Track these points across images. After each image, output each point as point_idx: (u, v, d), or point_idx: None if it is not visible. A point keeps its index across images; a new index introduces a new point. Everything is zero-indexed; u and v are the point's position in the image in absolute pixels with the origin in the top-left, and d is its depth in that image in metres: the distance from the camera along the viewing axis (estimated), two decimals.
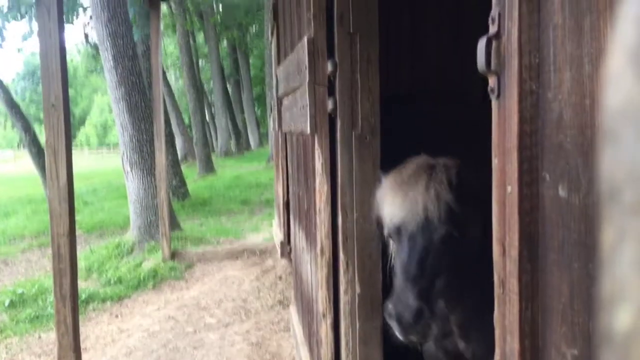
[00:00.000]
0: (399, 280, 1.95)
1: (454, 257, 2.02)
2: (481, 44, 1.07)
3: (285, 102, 4.21)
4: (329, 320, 2.93)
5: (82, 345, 4.23)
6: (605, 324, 0.26)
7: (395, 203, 2.08)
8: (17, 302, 6.60)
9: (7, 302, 6.54)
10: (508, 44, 1.01)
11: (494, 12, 1.06)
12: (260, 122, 41.01)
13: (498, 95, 1.07)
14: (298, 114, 3.28)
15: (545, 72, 0.94)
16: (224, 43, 34.29)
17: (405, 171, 2.17)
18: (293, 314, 4.97)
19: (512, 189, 1.02)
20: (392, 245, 2.25)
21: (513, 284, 1.04)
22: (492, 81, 1.08)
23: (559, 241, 0.92)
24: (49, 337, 5.55)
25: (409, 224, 2.01)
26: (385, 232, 2.17)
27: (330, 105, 2.76)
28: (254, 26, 32.98)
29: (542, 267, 0.99)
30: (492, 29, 1.06)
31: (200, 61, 35.24)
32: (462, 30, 4.30)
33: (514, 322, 1.04)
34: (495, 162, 1.10)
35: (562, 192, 0.91)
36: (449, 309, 2.36)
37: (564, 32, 0.88)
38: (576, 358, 0.90)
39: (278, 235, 8.26)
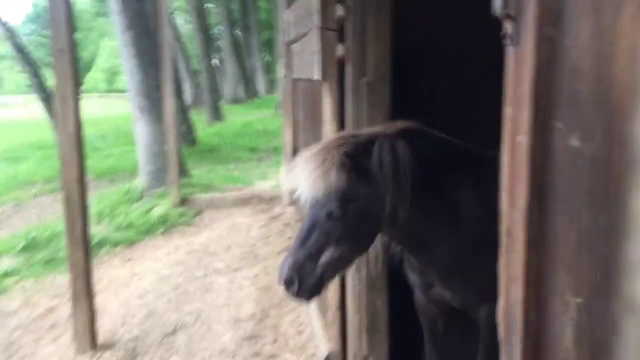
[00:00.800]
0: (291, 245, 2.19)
1: (344, 233, 2.15)
2: None
3: (295, 47, 4.14)
4: None
5: (95, 288, 4.35)
6: (629, 291, 0.25)
7: (296, 177, 2.21)
8: (30, 246, 6.74)
9: (21, 245, 6.69)
10: None
11: None
12: (269, 68, 40.49)
13: (514, 42, 1.04)
14: (307, 60, 3.23)
15: (565, 18, 0.91)
16: None
17: (313, 148, 2.26)
18: None
19: (523, 138, 1.01)
20: None
21: (519, 234, 1.04)
22: (508, 27, 1.05)
23: (568, 191, 0.92)
24: (63, 279, 5.69)
25: (304, 198, 2.16)
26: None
27: (340, 51, 2.71)
28: None
29: (550, 217, 0.98)
30: None
31: (208, 5, 34.46)
32: None
33: (519, 271, 1.05)
34: (507, 110, 1.08)
35: (574, 142, 0.89)
36: (423, 264, 2.49)
37: None
38: (580, 306, 0.91)
39: (286, 183, 8.30)
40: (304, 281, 2.13)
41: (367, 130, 2.32)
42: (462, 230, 2.32)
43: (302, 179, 2.15)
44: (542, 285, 1.03)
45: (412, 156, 2.11)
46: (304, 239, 2.15)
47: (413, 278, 2.67)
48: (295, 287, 2.13)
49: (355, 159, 2.11)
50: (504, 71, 1.09)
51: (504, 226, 1.12)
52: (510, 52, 1.06)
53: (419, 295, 2.74)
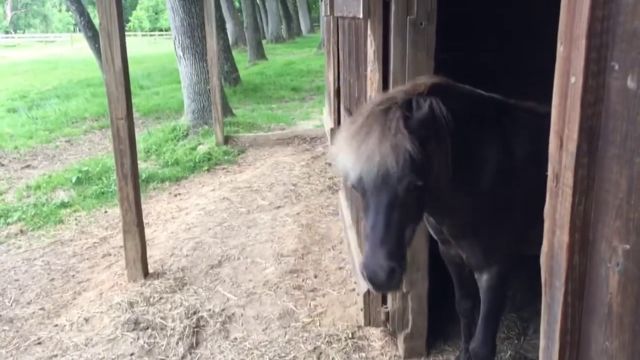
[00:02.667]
0: (369, 238, 1.87)
1: (421, 204, 1.98)
2: None
3: None
4: None
5: (145, 221, 4.53)
6: None
7: (350, 158, 1.90)
8: (83, 179, 7.04)
9: (74, 179, 6.98)
10: None
11: None
12: (312, 6, 39.54)
13: None
14: None
15: None
16: None
17: (358, 120, 1.97)
18: (341, 199, 5.11)
19: (577, 79, 0.97)
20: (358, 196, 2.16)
21: (568, 178, 1.02)
22: None
23: (621, 135, 0.89)
24: (114, 212, 5.95)
25: (369, 178, 1.86)
26: (349, 184, 2.01)
27: None
28: None
29: (600, 161, 0.96)
30: None
31: None
32: None
33: (565, 215, 1.04)
34: (560, 50, 1.04)
35: (630, 84, 0.85)
36: (437, 221, 2.39)
37: None
38: (628, 252, 0.90)
39: (328, 123, 8.28)
40: (403, 267, 1.88)
41: (396, 91, 2.11)
42: (479, 189, 2.24)
43: (363, 156, 1.86)
44: (589, 230, 1.01)
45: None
46: (386, 223, 1.86)
47: (431, 232, 2.65)
48: (399, 275, 1.86)
49: (418, 123, 1.89)
50: (557, 8, 1.04)
51: (551, 170, 1.10)
52: None
53: (440, 246, 2.74)
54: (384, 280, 1.84)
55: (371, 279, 1.85)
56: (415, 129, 1.86)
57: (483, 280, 2.47)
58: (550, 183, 1.11)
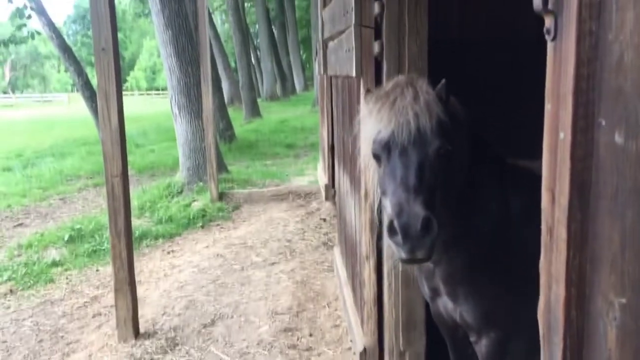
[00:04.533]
0: (396, 195, 1.76)
1: (447, 177, 1.90)
2: None
3: (331, 44, 4.14)
4: (372, 262, 2.99)
5: (137, 279, 4.47)
6: None
7: (382, 116, 1.89)
8: (75, 237, 6.97)
9: (66, 237, 6.92)
10: None
11: None
12: (306, 66, 40.59)
13: (554, 37, 1.02)
14: (344, 57, 3.23)
15: (606, 11, 0.89)
16: None
17: (388, 86, 2.02)
18: (337, 255, 5.07)
19: (565, 135, 0.99)
20: (374, 172, 2.10)
21: (561, 232, 1.02)
22: (548, 22, 1.03)
23: (612, 189, 0.90)
24: (106, 270, 5.87)
25: (400, 136, 1.84)
26: (367, 154, 1.99)
27: (376, 48, 2.70)
28: None
29: (593, 216, 0.97)
30: None
31: (245, 4, 34.78)
32: None
33: (561, 269, 1.03)
34: (548, 107, 1.06)
35: (618, 139, 0.87)
36: (433, 259, 2.20)
37: None
38: (624, 307, 0.89)
39: (322, 179, 8.33)
40: (438, 223, 1.72)
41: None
42: (479, 231, 2.21)
43: (398, 111, 1.86)
44: (585, 284, 1.01)
45: None
46: (418, 176, 1.78)
47: (420, 283, 2.53)
48: (435, 228, 1.71)
49: (448, 95, 1.94)
50: (543, 65, 1.07)
51: (544, 224, 1.11)
52: (551, 46, 1.04)
53: (430, 305, 2.59)
54: (418, 231, 1.68)
55: (404, 229, 1.68)
56: (443, 99, 1.92)
57: (482, 345, 2.32)
58: (544, 237, 1.11)
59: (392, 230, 1.73)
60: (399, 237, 1.70)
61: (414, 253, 1.72)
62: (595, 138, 0.94)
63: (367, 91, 2.19)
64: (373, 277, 3.00)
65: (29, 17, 10.97)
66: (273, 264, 5.70)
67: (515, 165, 2.37)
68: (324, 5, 5.62)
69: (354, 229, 3.83)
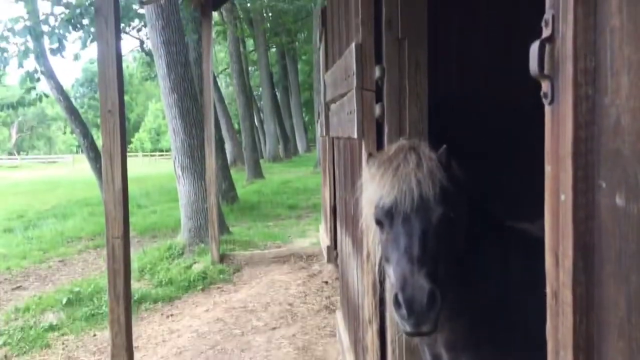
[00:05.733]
0: (401, 266, 1.74)
1: (449, 246, 1.88)
2: (534, 47, 1.04)
3: (333, 107, 4.23)
4: (375, 326, 2.92)
5: (135, 344, 4.35)
6: None
7: (385, 182, 1.89)
8: (74, 301, 6.86)
9: (64, 300, 6.81)
10: (562, 48, 0.98)
11: (548, 14, 1.03)
12: (308, 128, 41.28)
13: (551, 101, 1.04)
14: (345, 119, 3.28)
15: (602, 76, 0.91)
16: (273, 49, 34.77)
17: (390, 151, 2.03)
18: (339, 320, 4.96)
19: (566, 197, 0.99)
20: (379, 235, 2.05)
21: (567, 296, 1.00)
22: (545, 86, 1.05)
23: (615, 252, 0.89)
24: (104, 335, 5.74)
25: (403, 204, 1.83)
26: (370, 217, 1.98)
27: (377, 110, 2.75)
28: (302, 32, 33.29)
29: (598, 279, 0.95)
30: (546, 32, 1.03)
31: (249, 68, 35.83)
32: (513, 35, 4.20)
33: (568, 335, 1.01)
34: (548, 169, 1.07)
35: (619, 201, 0.87)
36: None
37: (621, 35, 0.85)
38: None
39: (325, 240, 8.28)
40: (443, 296, 1.70)
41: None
42: (483, 301, 2.17)
43: (401, 178, 1.86)
44: (593, 351, 0.98)
45: None
46: (422, 246, 1.76)
47: (422, 350, 2.46)
48: (439, 302, 1.68)
49: (450, 160, 1.95)
50: (541, 128, 1.08)
51: (549, 288, 1.09)
52: (548, 110, 1.06)
53: None
54: (424, 306, 1.65)
55: (409, 303, 1.65)
56: (445, 165, 1.92)
57: None
58: (549, 301, 1.09)
59: (397, 304, 1.71)
60: (404, 311, 1.68)
61: (420, 327, 1.71)
62: (596, 200, 0.94)
63: (370, 155, 2.20)
64: (376, 342, 2.92)
65: (38, 80, 11.28)
66: (274, 328, 5.58)
67: (515, 229, 2.35)
68: (326, 69, 5.77)
69: (356, 292, 3.77)
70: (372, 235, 2.21)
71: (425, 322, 1.69)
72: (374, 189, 1.96)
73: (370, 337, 2.98)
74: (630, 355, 0.86)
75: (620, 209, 0.87)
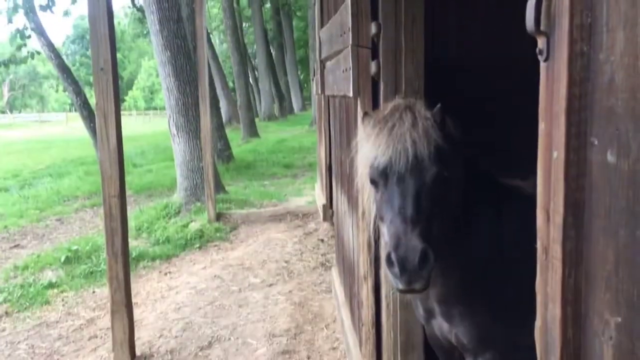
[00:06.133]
0: (394, 225, 1.78)
1: (444, 204, 1.90)
2: (530, 3, 1.03)
3: (328, 65, 4.18)
4: (370, 283, 2.97)
5: (133, 301, 4.44)
6: None
7: (379, 142, 1.90)
8: (72, 258, 6.93)
9: (63, 258, 6.88)
10: (559, 3, 0.97)
11: None
12: (304, 86, 40.88)
13: (547, 57, 1.03)
14: (341, 77, 3.25)
15: (597, 32, 0.90)
16: (268, 5, 34.05)
17: (385, 110, 2.03)
18: (335, 276, 5.05)
19: (559, 154, 1.00)
20: (373, 194, 2.07)
21: (556, 251, 1.03)
22: (541, 42, 1.05)
23: (605, 208, 0.90)
24: (103, 292, 5.83)
25: (398, 163, 1.85)
26: (365, 177, 2.00)
27: (373, 68, 2.73)
28: None
29: (587, 234, 0.97)
30: None
31: (243, 24, 35.16)
32: None
33: (557, 289, 1.03)
34: (541, 126, 1.07)
35: (610, 158, 0.88)
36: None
37: None
38: (620, 325, 0.89)
39: (320, 199, 8.33)
40: (435, 254, 1.73)
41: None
42: (475, 256, 2.20)
43: (396, 138, 1.87)
44: (581, 303, 1.01)
45: None
46: (416, 205, 1.78)
47: (415, 305, 2.52)
48: (432, 261, 1.72)
49: (445, 119, 1.95)
50: (537, 88, 1.09)
51: (540, 243, 1.11)
52: (543, 67, 1.06)
53: (425, 327, 2.58)
54: (415, 265, 1.69)
55: (401, 262, 1.69)
56: (440, 124, 1.92)
57: None
58: (540, 256, 1.11)
59: (389, 262, 1.74)
60: (397, 269, 1.72)
61: (412, 284, 1.74)
62: (588, 157, 0.95)
63: (365, 114, 2.19)
64: (371, 298, 2.99)
65: (29, 37, 11.07)
66: (271, 285, 5.67)
67: (507, 186, 2.37)
68: (322, 25, 5.68)
69: (352, 250, 3.82)
70: (367, 193, 2.23)
71: (417, 280, 1.73)
72: (369, 148, 1.96)
73: (365, 292, 3.05)
74: (617, 306, 0.89)
75: (611, 166, 0.88)
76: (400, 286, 1.75)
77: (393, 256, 1.72)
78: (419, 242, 1.72)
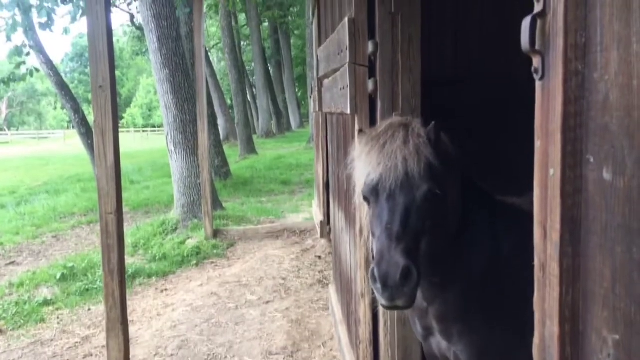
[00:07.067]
0: (380, 241, 1.79)
1: (435, 221, 1.90)
2: (525, 22, 1.05)
3: (326, 82, 4.21)
4: (367, 300, 2.96)
5: (129, 318, 4.40)
6: None
7: (371, 159, 1.92)
8: (68, 276, 6.89)
9: (58, 275, 6.83)
10: (554, 23, 0.99)
11: None
12: (301, 103, 41.06)
13: (542, 76, 1.05)
14: (338, 95, 3.28)
15: (592, 52, 0.91)
16: (266, 24, 34.34)
17: (380, 128, 2.05)
18: (332, 293, 5.03)
19: (555, 171, 1.01)
20: (367, 211, 2.09)
21: (554, 268, 1.03)
22: (536, 61, 1.06)
23: (601, 225, 0.91)
24: (98, 309, 5.78)
25: (388, 180, 1.86)
26: (360, 194, 2.01)
27: (370, 86, 2.75)
28: (295, 6, 32.86)
29: (584, 251, 0.97)
30: (538, 7, 1.03)
31: (242, 42, 35.42)
32: (506, 11, 4.18)
33: (554, 306, 1.03)
34: (537, 144, 1.08)
35: (606, 175, 0.89)
36: (426, 299, 2.23)
37: (612, 10, 0.86)
38: (618, 343, 0.89)
39: (318, 216, 8.32)
40: (419, 276, 1.73)
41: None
42: (473, 274, 2.20)
43: (387, 155, 1.88)
44: (579, 320, 1.01)
45: None
46: (402, 222, 1.79)
47: (412, 322, 2.51)
48: (415, 278, 1.72)
49: (439, 137, 1.96)
50: (533, 104, 1.10)
51: (537, 260, 1.11)
52: (539, 85, 1.07)
53: (423, 345, 2.56)
54: (397, 281, 1.69)
55: (383, 278, 1.70)
56: (433, 142, 1.93)
57: None
58: (537, 273, 1.11)
59: (373, 277, 1.75)
60: (379, 285, 1.73)
61: (394, 301, 1.75)
62: (584, 174, 0.96)
63: (360, 131, 2.22)
64: (369, 315, 2.97)
65: (28, 54, 11.12)
66: (268, 302, 5.64)
67: (505, 203, 2.38)
68: (319, 44, 5.73)
69: (349, 266, 3.81)
70: (365, 210, 2.23)
71: (399, 296, 1.74)
72: (362, 165, 1.99)
73: (363, 309, 3.03)
74: (615, 324, 0.89)
75: (607, 183, 0.89)
76: (383, 302, 1.77)
77: (376, 272, 1.73)
78: (402, 258, 1.72)
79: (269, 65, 34.95)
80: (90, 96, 3.98)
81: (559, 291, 1.01)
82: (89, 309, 5.96)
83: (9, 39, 10.22)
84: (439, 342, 2.36)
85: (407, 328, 2.78)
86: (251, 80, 38.24)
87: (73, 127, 14.36)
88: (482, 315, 2.23)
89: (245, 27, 33.87)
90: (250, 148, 21.87)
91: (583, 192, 0.97)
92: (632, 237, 0.83)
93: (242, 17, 34.68)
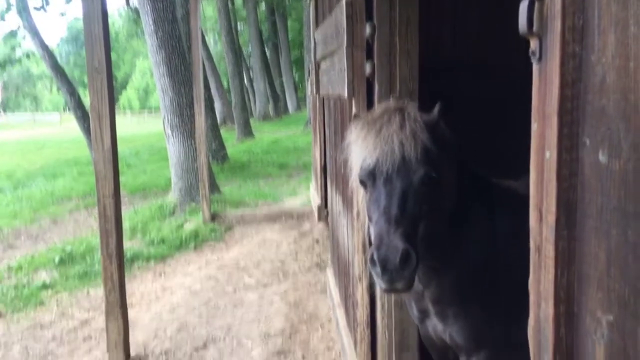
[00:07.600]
0: (378, 226, 1.80)
1: (433, 205, 1.91)
2: (523, 5, 1.04)
3: (323, 65, 4.19)
4: (365, 283, 2.98)
5: (128, 301, 4.42)
6: None
7: (368, 143, 1.92)
8: (66, 259, 6.91)
9: (57, 259, 6.86)
10: (551, 5, 0.98)
11: None
12: (299, 86, 40.87)
13: (539, 59, 1.04)
14: (336, 78, 3.26)
15: (589, 34, 0.91)
16: (262, 6, 34.02)
17: (376, 112, 2.05)
18: (330, 277, 5.06)
19: (551, 154, 1.01)
20: (364, 195, 2.09)
21: (549, 250, 1.03)
22: (533, 44, 1.06)
23: (597, 207, 0.91)
24: (97, 293, 5.81)
25: (385, 165, 1.87)
26: (357, 178, 2.01)
27: (368, 69, 2.73)
28: None
29: (579, 234, 0.98)
30: None
31: (238, 25, 35.12)
32: None
33: (549, 288, 1.04)
34: (534, 126, 1.08)
35: (602, 158, 0.89)
36: (422, 282, 2.25)
37: None
38: (611, 324, 0.90)
39: (315, 199, 8.34)
40: (418, 259, 1.74)
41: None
42: (469, 257, 2.22)
43: (383, 139, 1.88)
44: (573, 302, 1.02)
45: None
46: (400, 205, 1.80)
47: (409, 305, 2.53)
48: (414, 261, 1.73)
49: (435, 121, 1.96)
50: (531, 87, 1.09)
51: (533, 243, 1.12)
52: (536, 68, 1.06)
53: (419, 327, 2.59)
54: (396, 265, 1.70)
55: (383, 262, 1.71)
56: (430, 126, 1.93)
57: None
58: (533, 255, 1.12)
59: (372, 262, 1.76)
60: (378, 269, 1.74)
61: (393, 284, 1.76)
62: (580, 157, 0.96)
63: (355, 116, 2.21)
64: (366, 298, 2.99)
65: (23, 37, 11.03)
66: (266, 285, 5.67)
67: (500, 186, 2.38)
68: (316, 26, 5.69)
69: (346, 250, 3.83)
70: (361, 194, 2.23)
71: (398, 280, 1.75)
72: (358, 149, 1.99)
73: (361, 293, 3.05)
74: (609, 305, 0.90)
75: (602, 166, 0.89)
76: (383, 285, 1.78)
77: (375, 256, 1.74)
78: (400, 242, 1.73)
79: (265, 48, 34.70)
80: (86, 79, 3.95)
81: (554, 273, 1.02)
82: (88, 293, 5.98)
83: (2, 18, 10.11)
84: (434, 324, 2.39)
85: (404, 311, 2.80)
86: (248, 63, 38.01)
87: (69, 111, 14.31)
88: (478, 297, 2.26)
89: (242, 9, 33.56)
90: (247, 131, 21.80)
91: (579, 175, 0.97)
92: (627, 220, 0.84)
93: None
